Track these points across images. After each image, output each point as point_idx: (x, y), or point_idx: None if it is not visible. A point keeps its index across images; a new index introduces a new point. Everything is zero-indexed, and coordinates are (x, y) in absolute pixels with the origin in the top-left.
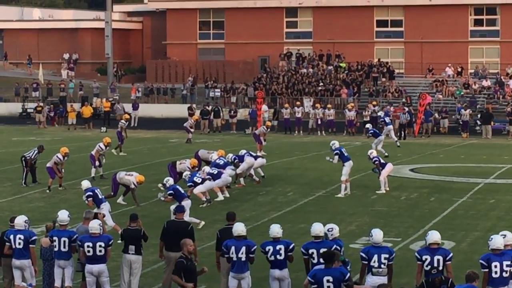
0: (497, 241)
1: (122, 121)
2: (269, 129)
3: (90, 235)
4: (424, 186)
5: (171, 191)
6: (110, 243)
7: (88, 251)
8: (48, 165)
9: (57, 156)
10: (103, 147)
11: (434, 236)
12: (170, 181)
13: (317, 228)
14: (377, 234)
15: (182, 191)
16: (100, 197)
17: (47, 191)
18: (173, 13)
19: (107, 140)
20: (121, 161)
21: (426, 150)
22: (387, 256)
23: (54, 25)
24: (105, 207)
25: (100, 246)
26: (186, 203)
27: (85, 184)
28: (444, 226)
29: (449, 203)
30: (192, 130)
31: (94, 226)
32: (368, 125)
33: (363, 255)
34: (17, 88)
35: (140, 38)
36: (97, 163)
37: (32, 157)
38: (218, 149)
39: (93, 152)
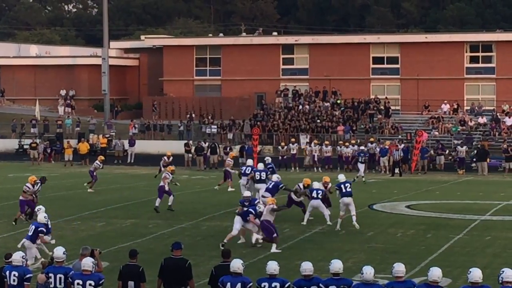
0: (434, 273)
1: (97, 162)
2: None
3: (82, 272)
4: (420, 222)
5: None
6: (101, 282)
7: None
8: (20, 197)
9: (26, 186)
10: (30, 186)
11: (435, 273)
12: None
13: (337, 265)
14: (368, 272)
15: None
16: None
17: (13, 223)
18: (169, 50)
19: (33, 178)
20: (117, 197)
21: (422, 187)
22: None
23: (51, 61)
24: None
25: (90, 285)
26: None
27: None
28: (440, 263)
29: (445, 239)
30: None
31: (87, 263)
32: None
33: None
34: (14, 124)
35: (137, 74)
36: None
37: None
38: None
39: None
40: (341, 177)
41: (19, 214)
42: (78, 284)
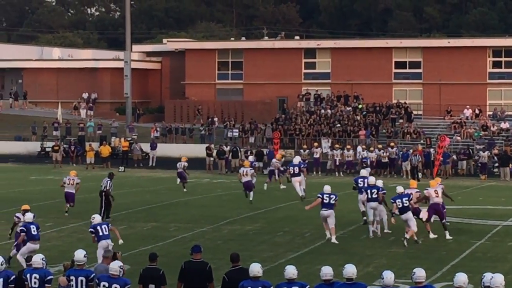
0: (460, 279)
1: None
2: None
3: (109, 275)
4: (442, 228)
5: None
6: (127, 287)
7: None
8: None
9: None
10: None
11: (461, 279)
12: None
13: (350, 270)
14: (388, 277)
15: None
16: (101, 233)
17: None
18: (192, 53)
19: (74, 172)
20: (138, 200)
21: None
22: None
23: (74, 64)
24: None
25: None
26: None
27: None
28: (462, 269)
29: (467, 245)
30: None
31: (114, 267)
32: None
33: None
34: (34, 126)
35: (159, 78)
36: None
37: (108, 187)
38: None
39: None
40: (371, 180)
41: (66, 206)
42: (104, 286)
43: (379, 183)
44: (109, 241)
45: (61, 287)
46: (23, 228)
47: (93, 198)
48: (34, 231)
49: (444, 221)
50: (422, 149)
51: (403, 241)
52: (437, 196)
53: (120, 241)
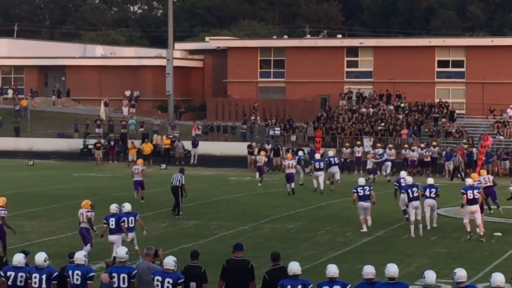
0: (497, 279)
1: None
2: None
3: (164, 270)
4: (484, 228)
5: None
6: (180, 281)
7: (157, 285)
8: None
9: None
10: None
11: (498, 279)
12: None
13: (392, 270)
14: (430, 276)
15: None
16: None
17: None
18: (234, 52)
19: (141, 161)
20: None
21: None
22: None
23: (116, 62)
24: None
25: (168, 282)
26: None
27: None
28: (504, 269)
29: (509, 245)
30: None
31: (169, 262)
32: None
33: None
34: (76, 123)
35: (201, 76)
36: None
37: (183, 182)
38: None
39: None
40: (409, 180)
41: (135, 193)
42: (157, 280)
43: (430, 181)
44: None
45: (103, 284)
46: (104, 220)
47: (132, 195)
48: (112, 224)
49: (496, 201)
50: (464, 149)
51: (481, 240)
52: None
53: (144, 232)
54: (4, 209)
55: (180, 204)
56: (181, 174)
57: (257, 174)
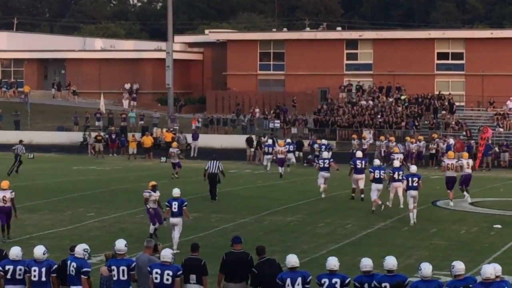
0: (487, 270)
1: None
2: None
3: (161, 263)
4: (484, 220)
5: None
6: (179, 273)
7: (156, 278)
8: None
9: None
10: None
11: (487, 270)
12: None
13: (391, 262)
14: (426, 268)
15: None
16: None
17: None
18: (233, 44)
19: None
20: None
21: (486, 184)
22: None
23: (116, 55)
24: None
25: (168, 274)
26: None
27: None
28: (504, 261)
29: (509, 237)
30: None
31: (167, 254)
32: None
33: None
34: (75, 117)
35: (201, 68)
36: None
37: (222, 169)
38: None
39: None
40: (413, 168)
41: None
42: (156, 273)
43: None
44: (176, 220)
45: (103, 277)
46: (167, 203)
47: (135, 188)
48: (175, 208)
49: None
50: (464, 142)
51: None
52: (468, 168)
53: (186, 219)
54: (12, 190)
55: (217, 189)
56: (218, 162)
57: (279, 168)
